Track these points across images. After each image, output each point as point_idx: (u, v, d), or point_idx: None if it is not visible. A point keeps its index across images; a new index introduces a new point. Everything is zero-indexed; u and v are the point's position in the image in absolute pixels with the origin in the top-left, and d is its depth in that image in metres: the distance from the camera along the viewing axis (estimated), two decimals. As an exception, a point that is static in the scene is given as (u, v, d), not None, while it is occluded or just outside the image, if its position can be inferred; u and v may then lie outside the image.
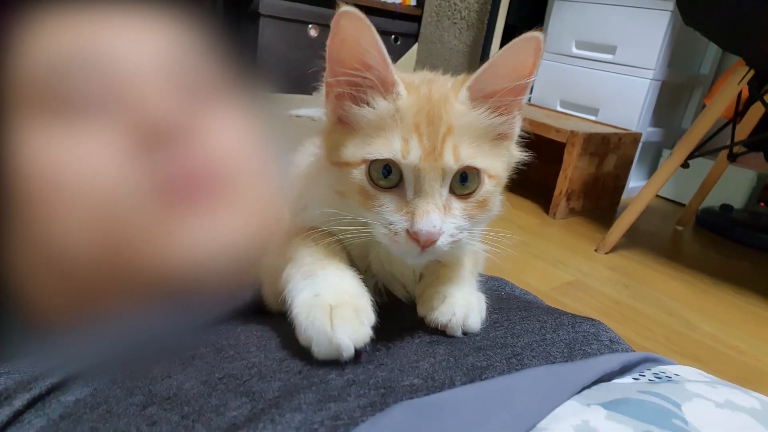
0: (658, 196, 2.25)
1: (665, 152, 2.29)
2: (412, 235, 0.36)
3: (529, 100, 2.47)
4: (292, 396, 0.31)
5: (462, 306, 0.41)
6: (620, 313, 1.26)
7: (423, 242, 0.36)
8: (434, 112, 0.37)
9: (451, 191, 0.38)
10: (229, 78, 0.56)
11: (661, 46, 1.95)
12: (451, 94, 0.38)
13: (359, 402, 0.31)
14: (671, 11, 1.89)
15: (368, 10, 2.08)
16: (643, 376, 0.37)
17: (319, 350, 0.35)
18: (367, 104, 0.38)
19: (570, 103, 2.27)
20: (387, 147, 0.37)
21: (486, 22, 2.47)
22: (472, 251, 0.45)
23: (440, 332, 0.41)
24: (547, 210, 1.89)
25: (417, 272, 0.45)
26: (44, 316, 0.48)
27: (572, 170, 1.81)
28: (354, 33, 0.36)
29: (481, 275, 0.58)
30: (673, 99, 2.27)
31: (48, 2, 0.48)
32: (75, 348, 0.39)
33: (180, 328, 0.42)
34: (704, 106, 1.98)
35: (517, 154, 0.43)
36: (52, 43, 0.47)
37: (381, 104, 0.38)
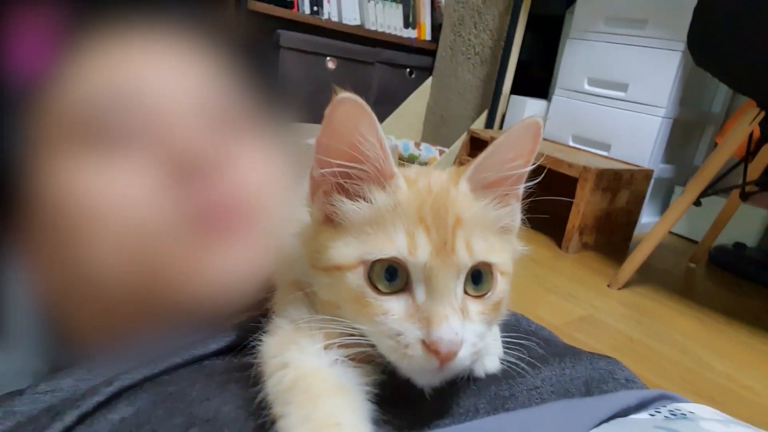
0: (671, 233, 2.25)
1: (677, 189, 2.30)
2: (430, 346, 0.31)
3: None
4: None
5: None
6: (634, 350, 1.26)
7: (444, 354, 0.31)
8: (439, 203, 0.33)
9: (464, 292, 0.33)
10: (254, 110, 0.59)
11: (673, 85, 1.99)
12: (452, 185, 0.35)
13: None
14: (682, 51, 1.93)
15: (385, 44, 2.15)
16: (659, 412, 0.38)
17: None
18: (362, 198, 0.34)
19: (582, 138, 2.30)
20: (390, 244, 0.32)
21: (499, 58, 2.52)
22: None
23: None
24: (559, 244, 1.90)
25: None
26: (84, 337, 0.50)
27: (585, 205, 1.82)
28: (353, 120, 0.32)
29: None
30: (685, 136, 2.29)
31: (89, 42, 0.51)
32: (115, 367, 0.41)
33: (205, 350, 0.44)
34: (716, 144, 2.00)
35: (519, 249, 0.39)
36: (93, 80, 0.50)
37: (379, 197, 0.34)
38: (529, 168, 0.36)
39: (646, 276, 1.71)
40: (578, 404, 0.37)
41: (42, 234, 0.49)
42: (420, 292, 0.32)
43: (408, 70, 2.78)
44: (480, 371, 0.38)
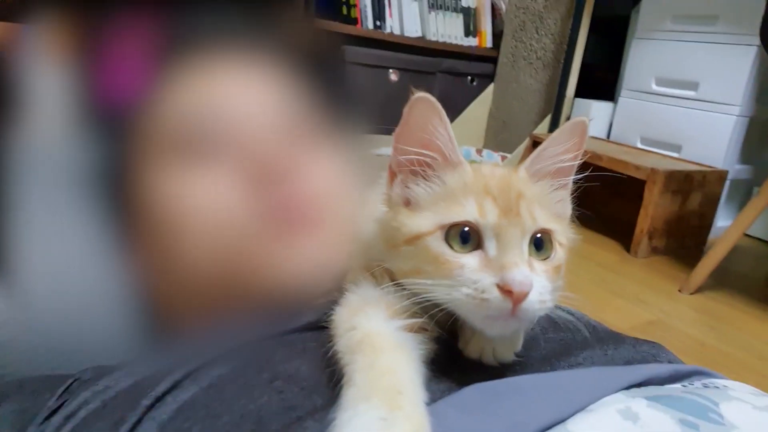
0: (750, 236, 2.15)
1: (756, 190, 2.18)
2: (503, 287, 0.35)
3: (608, 137, 2.46)
4: None
5: (489, 340, 0.40)
6: (706, 355, 1.23)
7: (517, 294, 0.34)
8: (503, 182, 0.39)
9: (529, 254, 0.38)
10: (323, 121, 0.66)
11: (747, 82, 1.91)
12: (512, 172, 0.41)
13: (439, 387, 0.37)
14: (757, 46, 1.85)
15: (446, 54, 2.20)
16: (692, 385, 0.40)
17: None
18: (435, 180, 0.40)
19: (651, 140, 2.24)
20: (462, 210, 0.37)
21: (562, 61, 2.50)
22: None
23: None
24: (627, 248, 1.86)
25: None
26: (180, 321, 0.58)
27: (653, 208, 1.78)
28: (427, 115, 0.38)
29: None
30: (763, 135, 2.18)
31: (179, 66, 0.59)
32: (206, 345, 0.48)
33: (289, 333, 0.50)
34: (798, 141, 1.90)
35: (571, 236, 0.42)
36: (183, 100, 0.58)
37: (449, 178, 0.40)
38: (578, 162, 0.41)
39: (722, 281, 1.64)
40: (610, 370, 0.40)
41: (144, 232, 0.58)
42: (491, 248, 0.37)
43: (469, 77, 2.81)
44: (490, 358, 0.41)
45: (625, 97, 2.33)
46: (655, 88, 2.20)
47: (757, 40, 1.83)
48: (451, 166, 0.40)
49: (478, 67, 2.81)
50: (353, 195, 0.63)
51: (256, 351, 0.45)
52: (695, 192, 1.89)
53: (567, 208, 0.43)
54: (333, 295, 0.56)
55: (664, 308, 1.45)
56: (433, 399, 0.35)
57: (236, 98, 0.59)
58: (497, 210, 0.37)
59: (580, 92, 2.52)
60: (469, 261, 0.37)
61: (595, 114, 2.46)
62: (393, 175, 0.42)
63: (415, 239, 0.39)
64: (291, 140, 0.60)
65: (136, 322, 0.59)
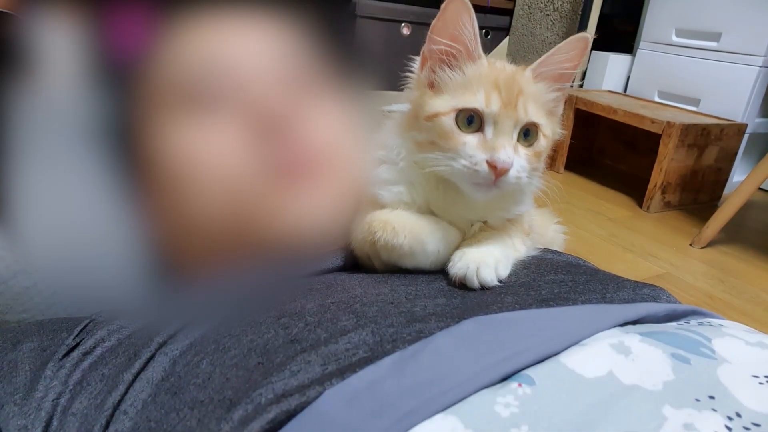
0: (765, 190, 2.12)
1: (776, 144, 2.14)
2: (491, 163, 0.46)
3: (625, 90, 2.41)
4: (386, 317, 0.40)
5: (474, 259, 0.48)
6: (713, 307, 1.24)
7: (500, 169, 0.46)
8: (509, 78, 0.48)
9: (517, 140, 0.48)
10: (330, 74, 0.66)
11: (773, 31, 1.84)
12: (520, 70, 0.50)
13: (438, 324, 0.39)
14: (785, -7, 1.77)
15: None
16: (688, 323, 0.42)
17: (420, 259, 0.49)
18: (457, 69, 0.49)
19: (669, 94, 2.18)
20: (474, 98, 0.47)
21: (579, 12, 2.43)
22: (521, 223, 0.55)
23: (508, 284, 0.48)
24: (640, 203, 1.85)
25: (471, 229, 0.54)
26: (190, 268, 0.60)
27: (668, 162, 1.76)
28: (459, 13, 0.47)
29: (557, 252, 0.64)
30: (787, 87, 2.11)
31: (182, 20, 0.60)
32: (216, 290, 0.51)
33: (295, 277, 0.53)
34: (822, 94, 1.84)
35: (559, 131, 0.53)
36: (186, 53, 0.59)
37: (468, 69, 0.49)
38: (579, 70, 0.50)
39: (735, 235, 1.64)
40: (606, 307, 0.42)
41: (153, 184, 0.59)
42: (489, 132, 0.47)
43: (484, 31, 2.75)
44: (474, 281, 0.48)
45: (643, 49, 2.26)
46: (675, 39, 2.13)
47: (783, -13, 1.75)
48: (472, 58, 0.49)
49: (493, 20, 2.74)
50: (359, 147, 0.64)
51: (264, 292, 0.47)
52: (712, 146, 1.86)
53: (560, 107, 0.52)
54: (338, 244, 0.58)
55: (674, 262, 1.46)
56: (432, 332, 0.37)
57: (241, 50, 0.60)
58: (500, 102, 0.46)
59: (598, 44, 2.46)
60: (470, 140, 0.47)
61: (612, 67, 2.40)
62: (425, 61, 0.51)
63: (433, 116, 0.48)
64: (296, 92, 0.60)
65: (147, 269, 0.61)
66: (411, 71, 0.53)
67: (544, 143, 0.50)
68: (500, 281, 0.49)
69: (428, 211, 0.54)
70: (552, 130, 0.51)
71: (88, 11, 0.60)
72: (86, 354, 0.44)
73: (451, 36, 0.48)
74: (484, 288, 0.48)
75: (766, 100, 1.99)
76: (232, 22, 0.61)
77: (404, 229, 0.49)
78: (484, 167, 0.46)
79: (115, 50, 0.60)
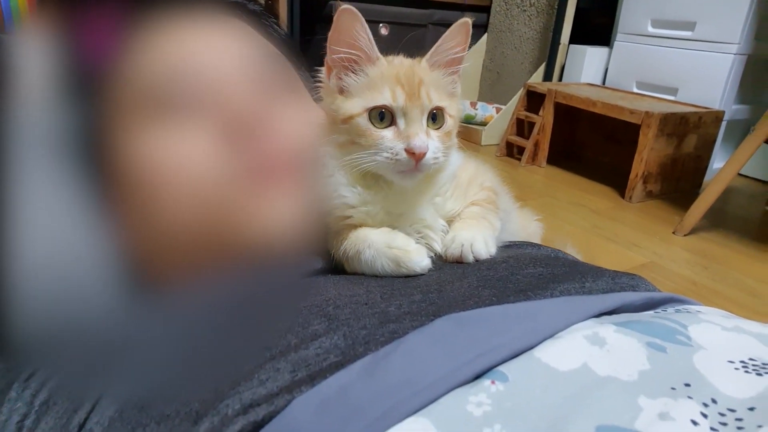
0: (746, 176, 2.14)
1: (753, 130, 2.16)
2: (409, 151, 0.49)
3: (603, 83, 2.43)
4: (359, 319, 0.39)
5: (467, 239, 0.54)
6: (697, 293, 1.25)
7: (418, 155, 0.49)
8: (409, 71, 0.51)
9: (427, 125, 0.52)
10: (301, 76, 0.65)
11: (746, 18, 1.86)
12: (416, 62, 0.53)
13: (412, 324, 0.38)
14: (755, -20, 1.80)
15: (437, 5, 2.15)
16: (665, 311, 0.41)
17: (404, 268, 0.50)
18: (361, 73, 0.52)
19: (647, 84, 2.20)
20: (381, 96, 0.50)
21: (556, 7, 2.44)
22: (492, 211, 0.58)
23: (485, 278, 0.48)
24: (622, 194, 1.87)
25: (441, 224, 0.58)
26: (162, 278, 0.59)
27: (648, 152, 1.77)
28: (351, 22, 0.50)
29: (537, 245, 0.64)
30: (762, 73, 2.14)
31: (149, 26, 0.59)
32: (189, 301, 0.49)
33: (266, 285, 0.51)
34: (796, 78, 1.87)
35: (461, 108, 0.58)
36: (156, 58, 0.57)
37: (370, 71, 0.52)
38: (465, 53, 0.54)
39: (717, 222, 1.65)
40: (581, 299, 0.41)
41: (122, 192, 0.58)
42: (401, 123, 0.51)
43: (462, 28, 2.75)
44: (469, 256, 0.53)
45: (620, 41, 2.28)
46: (651, 30, 2.15)
47: (754, -26, 1.78)
48: (371, 61, 0.52)
49: (471, 17, 2.74)
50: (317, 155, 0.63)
51: (236, 299, 0.46)
52: (691, 134, 1.87)
53: (457, 88, 0.56)
54: (315, 247, 0.57)
55: (658, 251, 1.46)
56: (406, 332, 0.36)
57: (209, 54, 0.59)
58: (404, 95, 0.50)
59: (575, 38, 2.47)
60: (386, 134, 0.51)
61: (590, 60, 2.41)
62: (329, 70, 0.54)
63: (348, 119, 0.52)
64: (266, 94, 0.59)
65: (119, 281, 0.60)
66: (319, 81, 0.56)
67: (451, 122, 0.54)
68: (490, 255, 0.54)
69: (387, 216, 0.55)
70: (456, 110, 0.55)
71: (56, 21, 0.59)
72: (53, 372, 0.42)
73: (348, 44, 0.51)
74: (477, 260, 0.53)
75: (742, 87, 2.01)
76: (201, 26, 0.60)
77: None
78: (404, 155, 0.50)
79: (83, 59, 0.59)
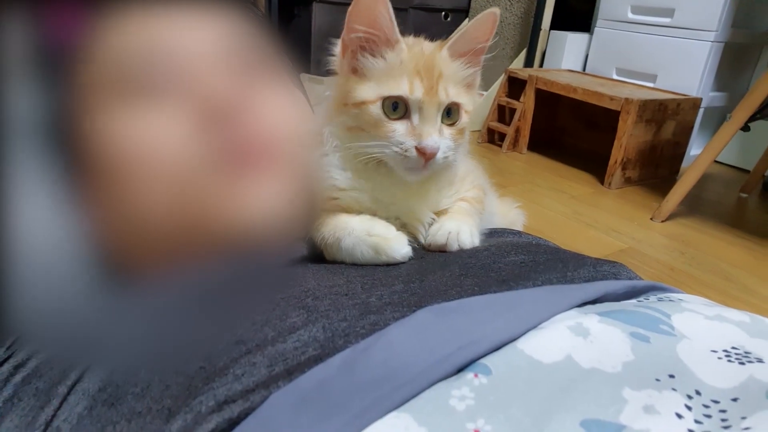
0: (721, 163, 2.18)
1: (729, 117, 2.19)
2: (420, 150, 0.48)
3: (584, 69, 2.43)
4: (339, 310, 0.38)
5: (453, 228, 0.53)
6: (674, 278, 1.26)
7: (428, 155, 0.48)
8: (429, 62, 0.49)
9: (441, 121, 0.50)
10: (279, 59, 0.63)
11: (724, 6, 1.87)
12: (437, 51, 0.50)
13: (394, 315, 0.37)
14: (734, -32, 1.81)
15: (418, -12, 2.07)
16: (647, 300, 0.41)
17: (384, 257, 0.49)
18: (379, 56, 0.49)
19: (626, 71, 2.21)
20: (398, 87, 0.48)
21: (537, -8, 2.43)
22: (475, 199, 0.58)
23: (467, 267, 0.47)
24: (602, 180, 1.88)
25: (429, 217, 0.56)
26: (138, 268, 0.57)
27: (627, 138, 1.78)
28: (373, 1, 0.47)
29: (518, 232, 0.63)
30: (738, 61, 2.16)
31: (119, 8, 0.56)
32: (164, 290, 0.48)
33: (245, 273, 0.50)
34: (772, 66, 1.89)
35: (477, 100, 0.55)
36: (127, 39, 0.55)
37: (389, 56, 0.49)
38: (489, 43, 0.52)
39: (694, 208, 1.67)
40: (564, 288, 0.41)
41: (93, 178, 0.56)
42: (415, 118, 0.49)
43: (443, 13, 2.72)
44: (454, 245, 0.53)
45: (601, 27, 2.28)
46: (631, 16, 2.16)
47: (732, -39, 1.79)
48: (390, 44, 0.49)
49: (452, 2, 2.72)
50: (306, 135, 0.62)
51: (212, 290, 0.45)
52: (669, 121, 1.89)
53: (477, 79, 0.54)
54: (295, 234, 0.55)
55: (636, 236, 1.48)
56: (387, 324, 0.35)
57: (184, 35, 0.56)
58: (422, 89, 0.48)
59: (556, 24, 2.47)
60: (399, 127, 0.49)
61: (570, 46, 2.41)
62: (345, 48, 0.51)
63: (360, 104, 0.49)
64: (243, 78, 0.57)
65: (93, 270, 0.58)
66: (332, 55, 0.53)
67: (465, 119, 0.52)
68: (473, 246, 0.53)
69: (375, 204, 0.54)
70: (472, 104, 0.54)
71: (24, 2, 0.56)
72: (18, 367, 0.41)
73: (369, 23, 0.48)
74: (462, 249, 0.52)
75: (719, 75, 2.03)
76: (174, 7, 0.58)
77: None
78: (414, 153, 0.48)
79: (52, 40, 0.56)
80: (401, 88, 0.48)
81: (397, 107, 0.49)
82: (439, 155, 0.49)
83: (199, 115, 0.53)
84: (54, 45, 0.56)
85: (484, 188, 0.62)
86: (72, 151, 0.56)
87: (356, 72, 0.50)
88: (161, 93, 0.54)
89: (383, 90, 0.49)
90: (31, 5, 0.57)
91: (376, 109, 0.49)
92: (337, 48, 0.52)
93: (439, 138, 0.49)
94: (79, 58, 0.55)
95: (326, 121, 0.54)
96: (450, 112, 0.50)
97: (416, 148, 0.48)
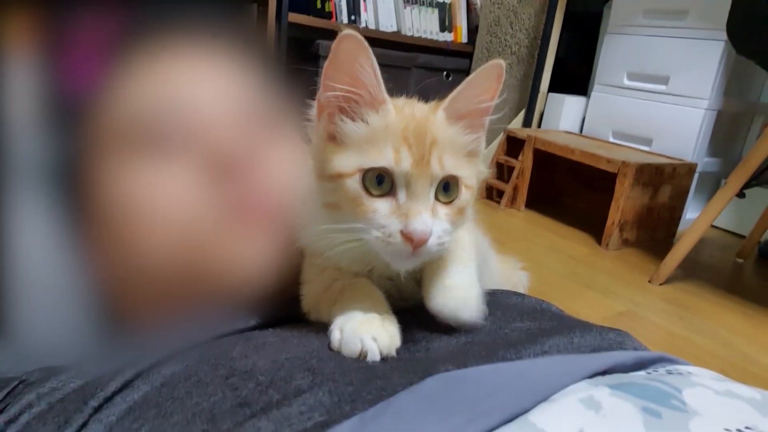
0: (718, 227, 2.19)
1: (724, 182, 2.23)
2: (406, 235, 0.39)
3: (581, 131, 2.49)
4: (344, 374, 0.38)
5: (459, 298, 0.45)
6: (673, 344, 1.25)
7: (417, 241, 0.39)
8: (420, 127, 0.41)
9: (436, 199, 0.42)
10: (286, 116, 0.64)
11: (716, 76, 1.94)
12: (431, 113, 0.43)
13: (400, 380, 0.37)
14: (725, 41, 1.88)
15: (421, 49, 2.20)
16: (657, 372, 0.41)
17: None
18: (360, 120, 0.42)
19: (623, 134, 2.27)
20: (381, 156, 0.40)
21: (536, 56, 2.52)
22: (470, 237, 0.50)
23: (473, 333, 0.46)
24: (599, 241, 1.89)
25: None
26: (137, 316, 0.56)
27: (624, 201, 1.80)
28: (354, 52, 0.39)
29: (521, 295, 0.63)
30: (731, 128, 2.22)
31: (136, 58, 0.58)
32: (162, 342, 0.47)
33: (242, 325, 0.50)
34: (764, 135, 1.94)
35: (484, 170, 0.47)
36: (140, 92, 0.57)
37: (373, 119, 0.41)
38: (494, 102, 0.44)
39: (690, 272, 1.68)
40: (575, 358, 0.40)
41: (100, 226, 0.56)
42: (402, 195, 0.40)
43: (445, 72, 2.81)
44: (451, 319, 0.45)
45: (597, 91, 2.35)
46: (626, 82, 2.23)
47: (724, 35, 1.86)
48: (375, 104, 0.41)
49: (454, 62, 2.81)
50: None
51: (213, 347, 0.44)
52: (665, 185, 1.92)
53: (481, 145, 0.46)
54: (292, 291, 0.55)
55: (635, 299, 1.47)
56: (395, 390, 0.35)
57: (196, 90, 0.58)
58: (411, 159, 0.40)
59: (554, 87, 2.54)
60: (381, 206, 0.40)
61: (568, 108, 2.48)
62: (321, 109, 0.44)
63: (337, 177, 0.41)
64: (250, 134, 0.59)
65: (92, 319, 0.57)
66: (308, 119, 0.46)
67: (467, 196, 0.43)
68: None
69: (364, 267, 0.50)
70: (476, 177, 0.45)
71: (44, 45, 0.58)
72: (10, 423, 0.39)
73: (349, 80, 0.41)
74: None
75: (713, 141, 2.08)
76: (189, 62, 0.60)
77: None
78: (398, 238, 0.39)
79: (67, 88, 0.58)
80: (385, 158, 0.40)
81: (383, 182, 0.40)
82: (432, 241, 0.40)
83: (206, 169, 0.54)
84: (69, 91, 0.58)
85: (482, 249, 0.60)
86: (80, 196, 0.56)
87: (334, 139, 0.43)
88: (171, 146, 0.55)
89: (363, 160, 0.40)
90: (48, 51, 0.58)
91: (354, 184, 0.40)
92: (313, 108, 0.45)
93: (431, 219, 0.40)
94: (92, 106, 0.57)
95: (307, 190, 0.48)
96: (447, 188, 0.42)
97: (401, 232, 0.39)
